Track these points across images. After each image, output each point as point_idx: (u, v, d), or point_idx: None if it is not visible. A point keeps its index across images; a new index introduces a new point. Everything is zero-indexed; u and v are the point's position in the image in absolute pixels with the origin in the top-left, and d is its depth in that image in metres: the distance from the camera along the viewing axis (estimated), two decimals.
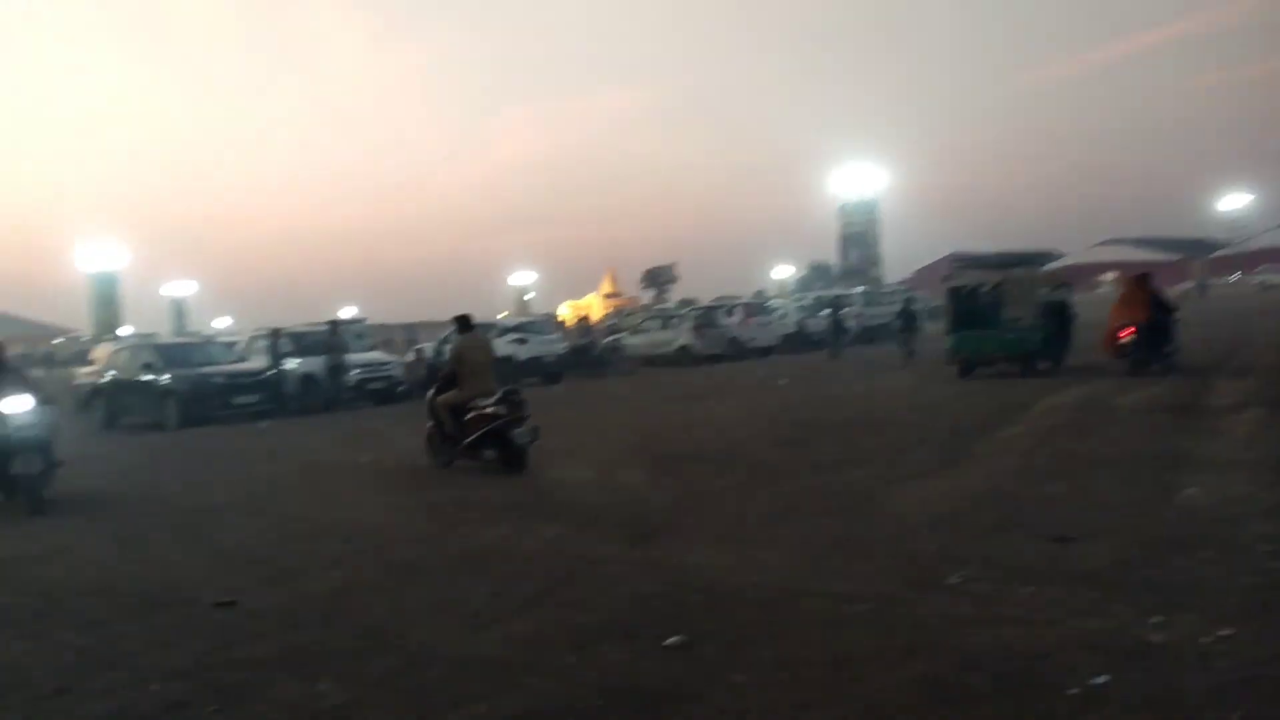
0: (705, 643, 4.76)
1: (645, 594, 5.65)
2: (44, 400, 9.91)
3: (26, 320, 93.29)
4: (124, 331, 50.85)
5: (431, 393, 11.20)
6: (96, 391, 19.86)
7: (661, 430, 13.18)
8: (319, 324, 21.81)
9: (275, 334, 21.19)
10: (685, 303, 47.04)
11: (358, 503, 8.88)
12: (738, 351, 29.35)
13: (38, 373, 24.45)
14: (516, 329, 24.49)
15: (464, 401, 10.51)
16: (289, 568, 6.80)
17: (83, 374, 21.81)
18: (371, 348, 23.68)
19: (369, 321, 28.76)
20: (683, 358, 27.84)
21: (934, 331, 21.61)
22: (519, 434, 10.15)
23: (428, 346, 24.50)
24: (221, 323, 65.90)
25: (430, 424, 11.11)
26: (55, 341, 59.68)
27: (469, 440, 10.37)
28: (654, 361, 28.63)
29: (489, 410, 10.25)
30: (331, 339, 20.04)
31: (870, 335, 33.15)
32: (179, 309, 63.45)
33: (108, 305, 47.84)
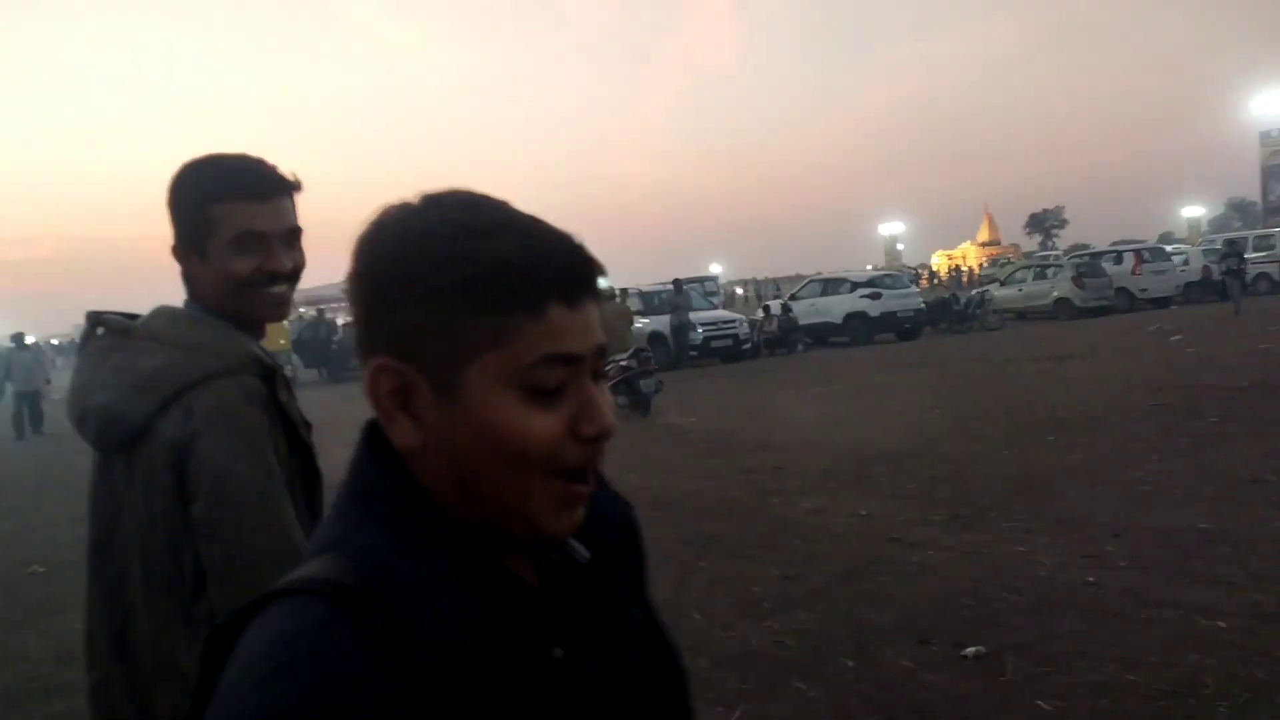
0: (1012, 655, 4.07)
1: (953, 590, 4.99)
2: None
3: None
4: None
5: None
6: None
7: (1017, 393, 11.95)
8: (666, 283, 22.25)
9: (623, 294, 21.89)
10: (1075, 249, 43.02)
11: (678, 466, 8.79)
12: (1127, 303, 26.22)
13: None
14: (869, 284, 23.43)
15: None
16: None
17: None
18: (719, 305, 23.78)
19: (724, 279, 29.01)
20: (1061, 311, 25.33)
21: None
22: (645, 384, 12.61)
23: (775, 304, 24.24)
24: (599, 282, 69.89)
25: None
26: None
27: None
28: (1027, 315, 26.40)
29: (623, 363, 12.71)
30: (677, 297, 20.30)
31: None
32: None
33: None
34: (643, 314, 20.95)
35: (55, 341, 65.96)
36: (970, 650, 4.15)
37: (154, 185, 1.59)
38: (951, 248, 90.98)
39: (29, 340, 19.23)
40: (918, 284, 54.47)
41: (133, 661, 1.47)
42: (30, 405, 17.39)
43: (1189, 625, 4.22)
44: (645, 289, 23.24)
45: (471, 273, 0.70)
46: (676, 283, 20.82)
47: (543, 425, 0.72)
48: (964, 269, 64.77)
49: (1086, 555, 5.36)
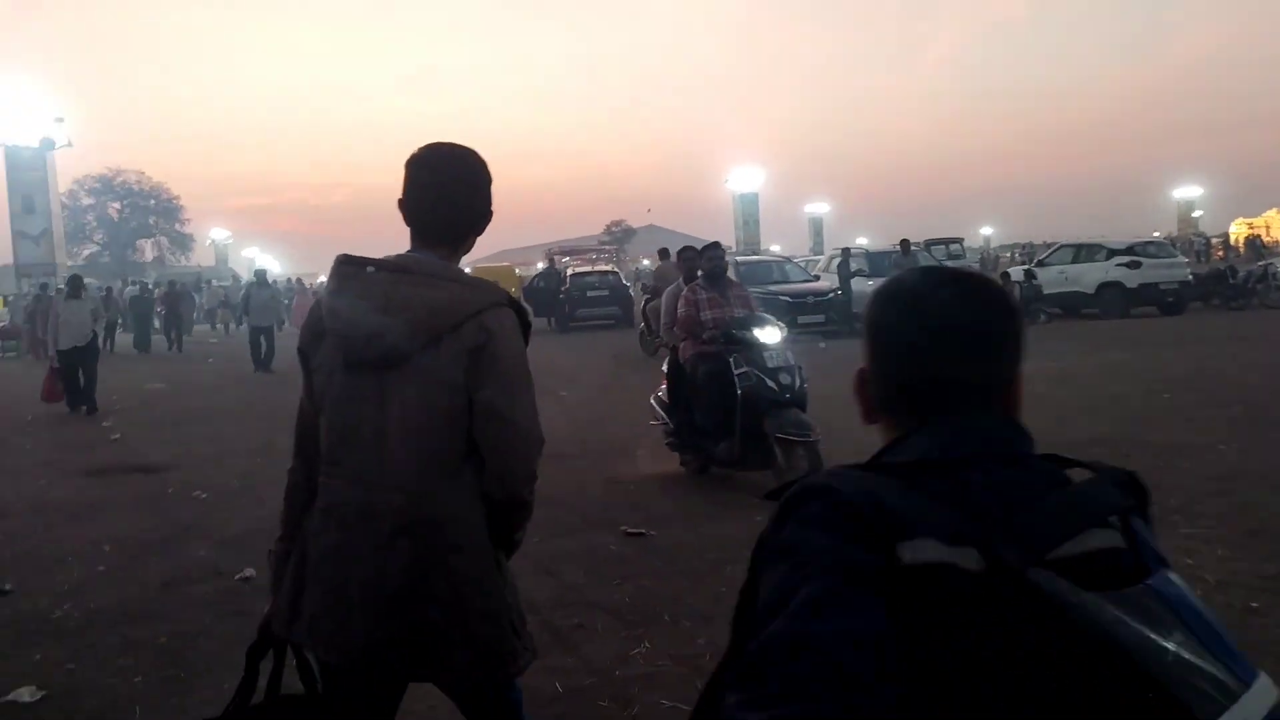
0: None
1: None
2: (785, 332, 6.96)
3: (687, 236, 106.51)
4: (775, 249, 54.55)
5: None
6: None
7: (1268, 379, 10.48)
8: (894, 245, 21.11)
9: (845, 254, 21.02)
10: None
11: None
12: None
13: None
14: (1127, 251, 21.17)
15: None
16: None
17: None
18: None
19: (995, 242, 27.17)
20: None
21: None
22: None
23: (1015, 270, 22.49)
24: (859, 241, 68.20)
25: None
26: None
27: None
28: None
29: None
30: (901, 259, 19.18)
31: None
32: (816, 228, 66.99)
33: (750, 224, 51.82)
34: (867, 276, 20.09)
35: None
36: None
37: (438, 137, 2.10)
38: (1255, 215, 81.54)
39: (271, 279, 20.54)
40: (1207, 254, 49.17)
41: (375, 524, 1.92)
42: (267, 340, 18.19)
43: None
44: (872, 251, 22.27)
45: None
46: (904, 243, 19.70)
47: None
48: (1264, 239, 57.87)
49: (1264, 576, 4.57)
